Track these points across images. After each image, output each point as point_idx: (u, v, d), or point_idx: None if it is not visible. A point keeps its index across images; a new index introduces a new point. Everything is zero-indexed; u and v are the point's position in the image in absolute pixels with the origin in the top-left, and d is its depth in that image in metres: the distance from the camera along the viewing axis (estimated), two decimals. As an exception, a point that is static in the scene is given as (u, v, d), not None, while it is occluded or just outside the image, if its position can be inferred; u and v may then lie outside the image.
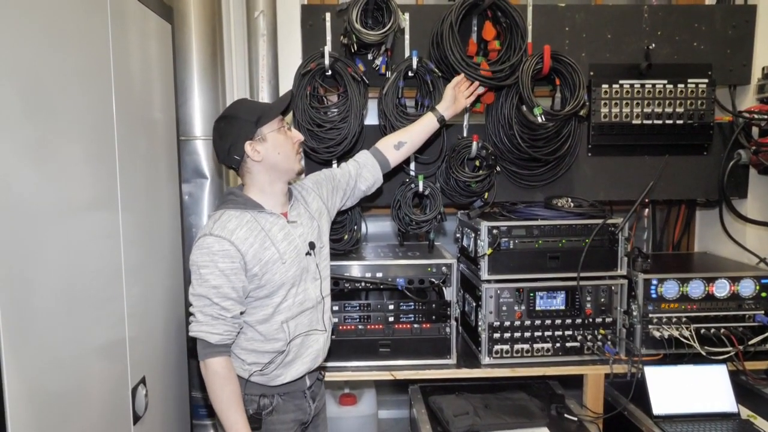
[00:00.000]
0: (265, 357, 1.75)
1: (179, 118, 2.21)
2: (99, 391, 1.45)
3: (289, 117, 2.30)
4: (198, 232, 1.76)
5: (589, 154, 2.50)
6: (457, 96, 2.19)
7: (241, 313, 1.71)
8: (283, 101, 1.80)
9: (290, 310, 1.77)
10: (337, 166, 2.20)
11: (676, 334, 2.23)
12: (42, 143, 1.21)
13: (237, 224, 1.68)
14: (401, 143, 2.13)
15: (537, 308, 2.27)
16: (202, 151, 2.34)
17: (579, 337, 2.28)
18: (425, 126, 2.16)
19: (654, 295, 2.26)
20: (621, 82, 2.41)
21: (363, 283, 2.24)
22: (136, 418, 1.67)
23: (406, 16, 2.34)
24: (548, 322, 2.28)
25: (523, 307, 2.27)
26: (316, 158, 2.35)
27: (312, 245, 1.84)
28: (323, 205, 1.97)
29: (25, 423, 1.12)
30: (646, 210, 2.99)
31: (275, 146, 1.74)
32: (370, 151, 2.13)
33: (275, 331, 1.75)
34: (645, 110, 2.43)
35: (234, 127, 1.72)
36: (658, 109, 2.43)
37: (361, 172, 2.09)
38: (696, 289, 2.27)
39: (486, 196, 2.42)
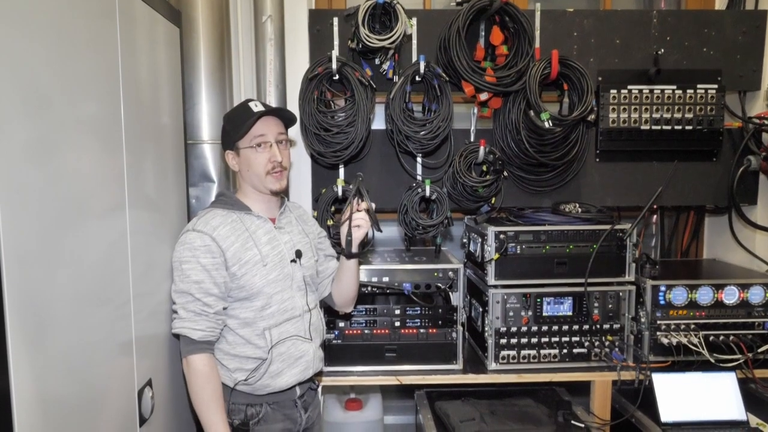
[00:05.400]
0: (249, 363, 1.72)
1: (187, 121, 2.22)
2: (105, 393, 1.45)
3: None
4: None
5: (597, 160, 2.49)
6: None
7: (224, 309, 1.70)
8: (248, 124, 1.71)
9: (274, 317, 1.74)
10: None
11: (684, 341, 2.21)
12: (50, 146, 1.21)
13: (221, 222, 1.71)
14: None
15: (544, 314, 2.26)
16: (209, 154, 2.34)
17: (586, 344, 2.27)
18: (342, 272, 1.92)
19: (662, 302, 2.25)
20: (630, 87, 2.41)
21: (369, 288, 2.24)
22: (142, 421, 1.66)
23: (414, 20, 2.35)
24: (555, 328, 2.26)
25: (530, 313, 2.25)
26: (323, 162, 2.35)
27: (299, 253, 1.81)
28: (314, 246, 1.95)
29: (31, 425, 1.12)
30: (655, 216, 2.98)
31: (246, 163, 1.76)
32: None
33: (257, 337, 1.72)
34: (654, 116, 2.42)
35: (223, 132, 1.84)
36: (667, 115, 2.42)
37: (325, 283, 1.99)
38: (705, 296, 2.26)
39: (493, 201, 2.41)
